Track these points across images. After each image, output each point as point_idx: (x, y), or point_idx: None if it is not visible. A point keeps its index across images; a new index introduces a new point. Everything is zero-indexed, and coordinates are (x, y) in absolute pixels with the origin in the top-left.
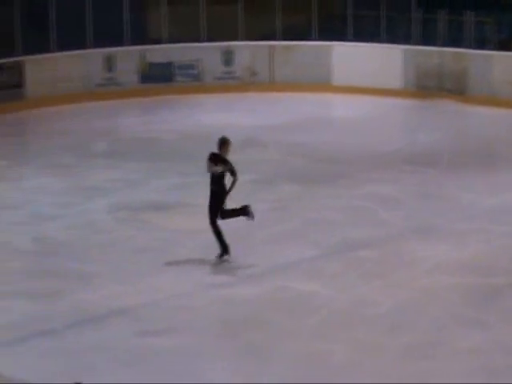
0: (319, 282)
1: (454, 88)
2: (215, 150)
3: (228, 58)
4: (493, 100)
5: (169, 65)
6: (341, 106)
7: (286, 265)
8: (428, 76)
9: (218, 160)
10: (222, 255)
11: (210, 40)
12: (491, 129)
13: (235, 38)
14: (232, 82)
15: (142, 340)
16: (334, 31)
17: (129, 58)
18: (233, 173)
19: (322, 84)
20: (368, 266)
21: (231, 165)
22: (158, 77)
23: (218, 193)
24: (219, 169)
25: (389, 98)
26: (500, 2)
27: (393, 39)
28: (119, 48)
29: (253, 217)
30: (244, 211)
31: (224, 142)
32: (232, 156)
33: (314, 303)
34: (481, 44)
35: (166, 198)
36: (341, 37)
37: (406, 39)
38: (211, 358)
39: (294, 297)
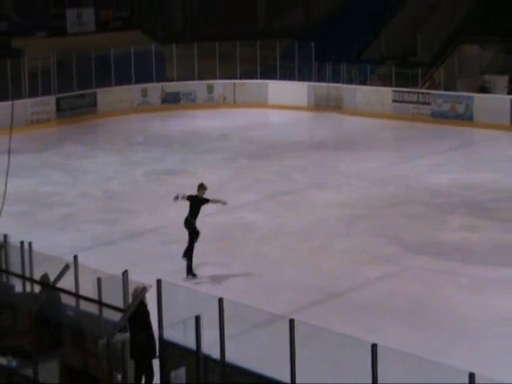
0: (260, 213)
1: (335, 106)
2: (203, 140)
3: (210, 89)
4: (357, 113)
5: (177, 93)
6: (273, 116)
7: (242, 204)
8: (321, 99)
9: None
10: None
11: (200, 79)
12: (356, 128)
13: (214, 78)
14: (212, 103)
15: (163, 246)
16: (269, 75)
17: (155, 89)
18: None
19: (263, 103)
20: (288, 205)
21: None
22: (172, 100)
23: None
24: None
25: (300, 111)
26: (360, 58)
27: (302, 78)
28: (150, 84)
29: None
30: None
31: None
32: (212, 145)
33: (257, 225)
34: (350, 81)
35: (176, 167)
36: (273, 77)
37: (309, 78)
38: (201, 254)
39: (245, 222)
